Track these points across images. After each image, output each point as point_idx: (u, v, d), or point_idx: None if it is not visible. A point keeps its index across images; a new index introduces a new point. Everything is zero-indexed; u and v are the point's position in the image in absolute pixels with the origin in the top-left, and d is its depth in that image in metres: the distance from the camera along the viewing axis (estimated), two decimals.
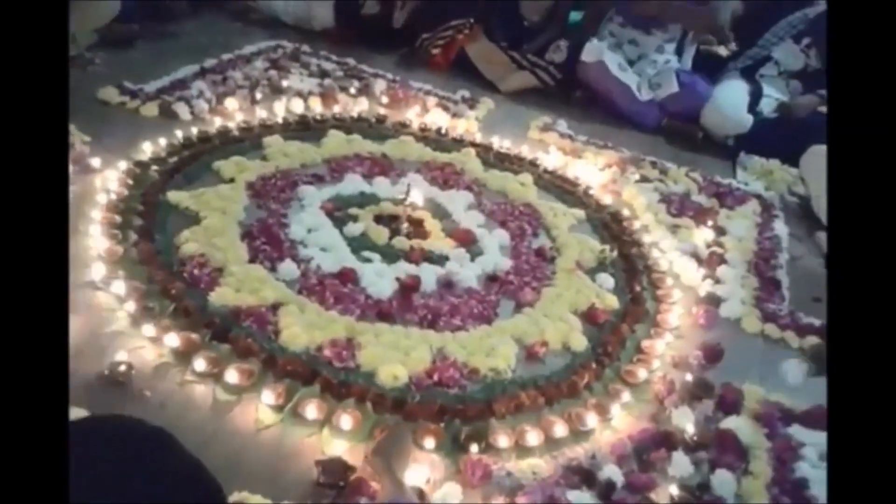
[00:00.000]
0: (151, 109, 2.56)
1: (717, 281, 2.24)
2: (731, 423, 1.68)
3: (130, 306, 1.68)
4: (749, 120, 3.20)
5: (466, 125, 2.94)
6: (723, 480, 1.53)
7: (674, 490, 1.49)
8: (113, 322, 1.66)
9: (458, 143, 2.78)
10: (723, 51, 3.67)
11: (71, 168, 2.13)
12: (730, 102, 3.24)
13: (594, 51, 3.28)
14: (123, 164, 2.18)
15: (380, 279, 1.93)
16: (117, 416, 0.75)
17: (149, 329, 1.63)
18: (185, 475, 0.71)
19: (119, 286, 1.72)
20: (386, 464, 1.37)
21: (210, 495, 0.72)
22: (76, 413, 1.36)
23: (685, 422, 1.65)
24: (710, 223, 2.55)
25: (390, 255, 2.05)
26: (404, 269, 2.00)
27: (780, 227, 2.65)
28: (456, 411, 1.58)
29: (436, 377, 1.66)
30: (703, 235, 2.47)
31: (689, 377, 1.81)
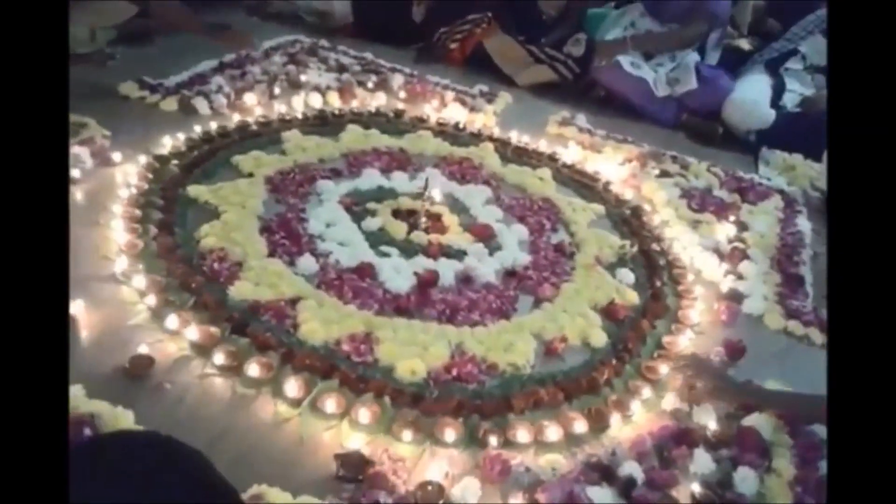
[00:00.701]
0: (171, 104, 2.58)
1: (739, 277, 2.21)
2: (753, 420, 1.65)
3: (151, 300, 1.69)
4: (771, 114, 3.16)
5: (484, 120, 2.93)
6: (745, 478, 1.51)
7: (695, 487, 1.47)
8: (133, 315, 1.67)
9: (476, 138, 2.77)
10: (745, 44, 3.62)
11: (91, 162, 2.15)
12: (752, 97, 3.19)
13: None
14: (143, 159, 2.19)
15: (398, 274, 1.93)
16: (155, 435, 0.74)
17: (169, 322, 1.63)
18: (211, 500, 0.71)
19: (139, 280, 1.73)
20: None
21: None
22: (97, 406, 1.38)
23: (707, 419, 1.63)
24: (731, 218, 2.52)
25: (408, 250, 2.04)
26: (422, 263, 1.99)
27: (803, 223, 2.61)
28: (474, 407, 1.57)
29: (454, 372, 1.65)
30: (724, 231, 2.44)
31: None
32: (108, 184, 2.09)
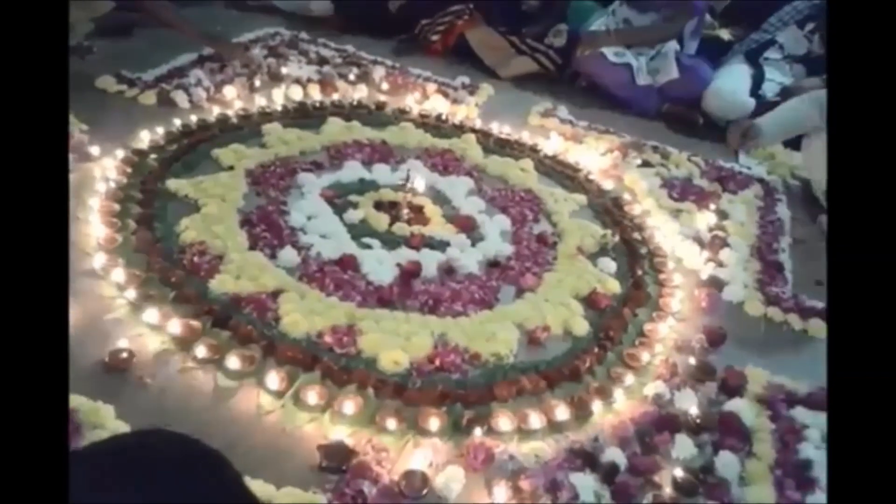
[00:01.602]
0: (150, 98, 2.55)
1: (720, 264, 2.23)
2: (734, 405, 1.67)
3: (131, 294, 1.68)
4: (751, 104, 3.17)
5: (466, 111, 2.92)
6: (726, 462, 1.53)
7: (677, 472, 1.48)
8: (113, 309, 1.65)
9: (458, 130, 2.76)
10: (725, 34, 3.64)
11: (69, 157, 2.12)
12: (731, 86, 3.21)
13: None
14: (122, 153, 2.17)
15: (380, 265, 1.93)
16: (173, 434, 0.73)
17: (149, 316, 1.62)
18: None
19: (119, 274, 1.72)
20: None
21: None
22: (76, 401, 1.37)
23: (688, 404, 1.65)
24: (712, 207, 2.54)
25: (391, 242, 2.04)
26: (405, 255, 1.99)
27: (783, 211, 2.64)
28: (457, 396, 1.57)
29: (437, 363, 1.65)
30: (705, 219, 2.45)
31: (691, 360, 1.80)
32: (87, 178, 2.07)
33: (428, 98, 2.94)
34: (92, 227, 1.87)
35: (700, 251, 2.27)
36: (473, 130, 2.77)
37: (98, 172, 2.08)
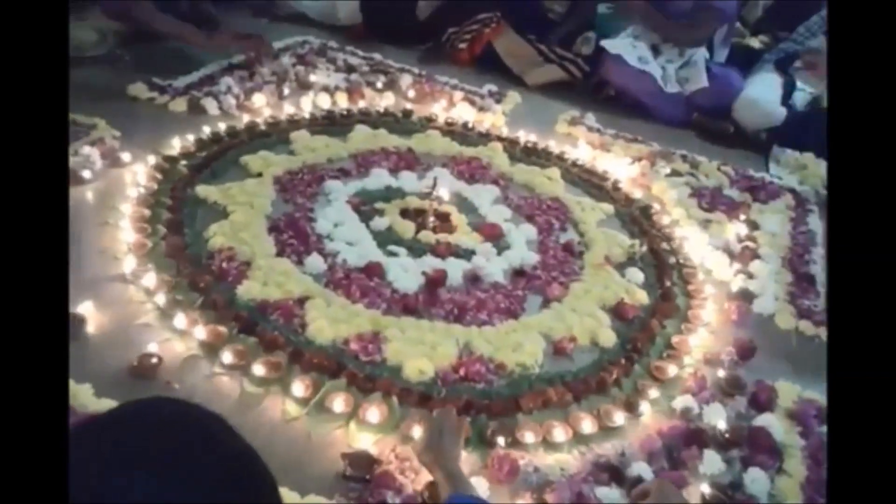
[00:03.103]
0: (180, 105, 2.59)
1: (750, 276, 2.19)
2: (764, 420, 1.64)
3: (159, 299, 1.70)
4: (782, 113, 3.13)
5: (493, 119, 2.92)
6: (755, 479, 1.50)
7: (705, 488, 1.46)
8: (142, 314, 1.67)
9: (485, 138, 2.76)
10: (755, 42, 3.59)
11: (101, 162, 2.16)
12: (762, 95, 3.16)
13: (611, 45, 3.23)
14: (153, 159, 2.20)
15: (406, 273, 1.92)
16: (170, 400, 0.74)
17: (177, 322, 1.64)
18: (237, 465, 0.70)
19: (148, 279, 1.73)
20: (438, 457, 1.32)
21: (261, 488, 0.71)
22: (105, 405, 1.38)
23: (717, 419, 1.62)
24: (742, 217, 2.50)
25: (416, 250, 2.04)
26: (430, 263, 1.99)
27: (815, 222, 2.59)
28: (482, 406, 1.56)
29: (462, 372, 1.65)
30: (735, 230, 2.42)
31: (720, 374, 1.77)
32: (118, 184, 2.10)
33: (455, 106, 2.94)
34: (123, 232, 1.89)
35: (730, 262, 2.24)
36: (500, 138, 2.76)
37: (129, 178, 2.11)
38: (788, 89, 3.26)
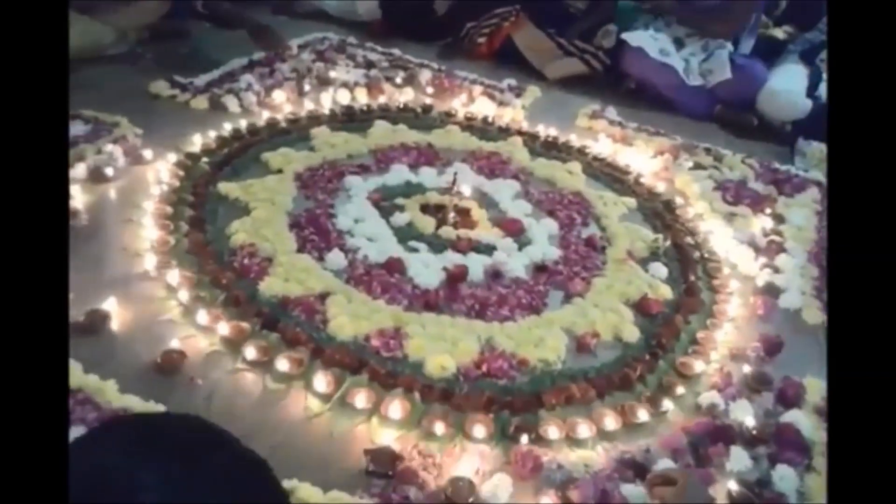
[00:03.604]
0: (201, 102, 2.60)
1: (776, 270, 2.16)
2: (791, 417, 1.61)
3: (182, 296, 1.70)
4: (808, 105, 3.07)
5: (513, 114, 2.90)
6: (784, 476, 1.47)
7: (732, 485, 1.44)
8: (165, 311, 1.68)
9: (505, 132, 2.74)
10: (780, 33, 3.53)
11: (123, 160, 2.18)
12: (787, 87, 3.11)
13: (632, 37, 3.19)
14: (174, 156, 2.21)
15: (427, 269, 1.92)
16: (181, 416, 0.74)
17: (200, 318, 1.64)
18: (248, 479, 0.70)
19: (171, 276, 1.74)
20: None
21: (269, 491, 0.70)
22: (129, 402, 1.39)
23: (744, 415, 1.59)
24: (767, 211, 2.46)
25: (437, 245, 2.03)
26: (451, 258, 1.98)
27: None
28: (504, 403, 1.55)
29: (484, 368, 1.64)
30: (760, 224, 2.38)
31: (747, 369, 1.75)
32: (140, 181, 2.11)
33: (474, 101, 2.93)
34: (145, 229, 1.90)
35: (755, 256, 2.20)
36: (520, 133, 2.75)
37: (151, 176, 2.13)
38: (814, 81, 3.20)
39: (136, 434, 0.67)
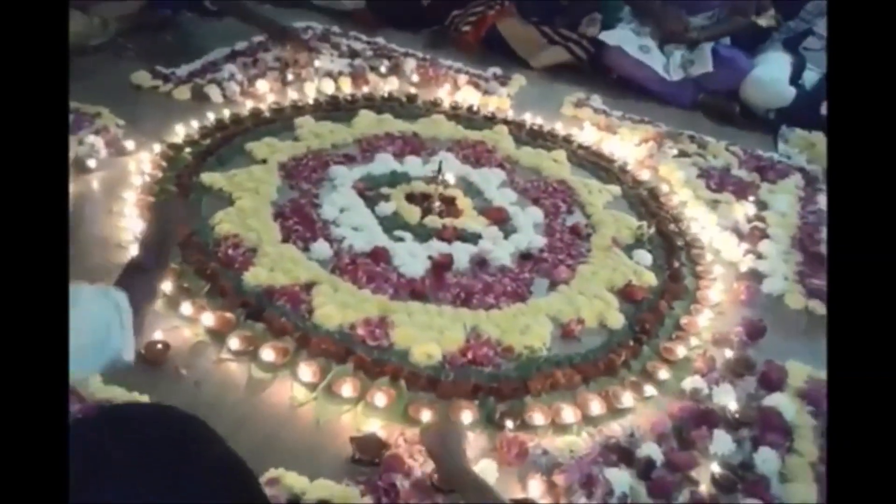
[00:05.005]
0: (184, 92, 2.58)
1: (759, 256, 2.18)
2: (774, 400, 1.63)
3: (166, 287, 1.69)
4: (791, 93, 3.09)
5: (498, 102, 2.90)
6: (766, 459, 1.49)
7: (715, 468, 1.46)
8: None
9: (490, 121, 2.74)
10: (764, 21, 3.54)
11: (105, 151, 2.16)
12: (771, 75, 3.13)
13: (611, 36, 3.20)
14: (157, 147, 2.20)
15: (412, 258, 1.92)
16: (146, 405, 0.74)
17: (184, 309, 1.64)
18: (218, 466, 0.70)
19: None
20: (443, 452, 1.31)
21: (245, 489, 0.71)
22: (113, 392, 1.39)
23: (727, 399, 1.61)
24: (751, 198, 2.48)
25: (422, 234, 2.03)
26: (437, 247, 1.98)
27: (824, 201, 2.56)
28: (490, 389, 1.56)
29: (470, 355, 1.64)
30: (744, 210, 2.40)
31: (730, 354, 1.76)
32: (123, 172, 2.10)
33: (459, 89, 2.92)
34: (128, 220, 1.89)
35: (739, 242, 2.22)
36: (505, 122, 2.75)
37: (133, 167, 2.11)
38: (798, 69, 3.22)
39: (107, 426, 0.67)
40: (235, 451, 0.73)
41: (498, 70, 3.16)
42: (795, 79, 3.16)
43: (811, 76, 3.23)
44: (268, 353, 1.55)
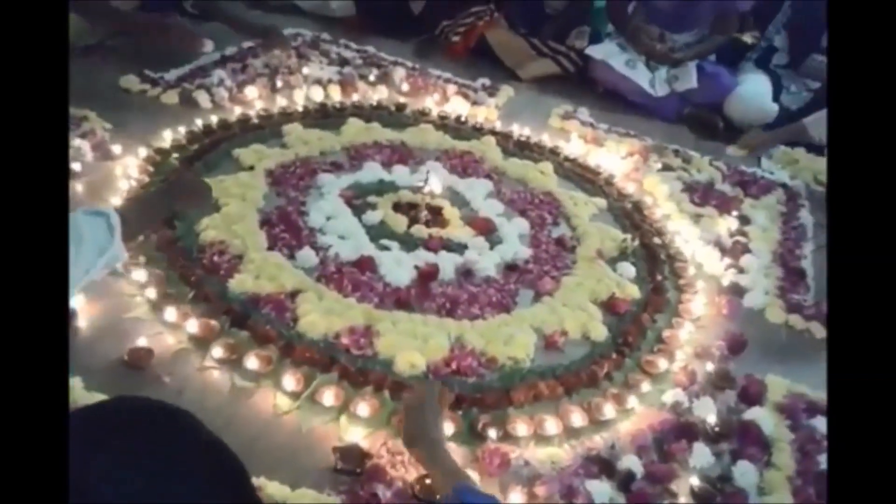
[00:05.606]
0: (172, 97, 2.57)
1: (741, 271, 2.20)
2: (753, 414, 1.65)
3: (151, 292, 1.69)
4: (774, 109, 3.14)
5: (486, 113, 2.91)
6: (744, 472, 1.51)
7: (694, 481, 1.47)
8: (133, 308, 1.67)
9: (478, 132, 2.76)
10: (748, 38, 3.59)
11: (92, 155, 2.15)
12: (755, 91, 3.17)
13: (598, 50, 3.24)
14: (144, 152, 2.19)
15: (398, 267, 1.93)
16: (135, 398, 0.75)
17: (168, 315, 1.63)
18: (206, 456, 0.71)
19: (139, 273, 1.73)
20: (424, 440, 1.35)
21: (233, 477, 0.71)
22: (95, 399, 1.38)
23: (707, 412, 1.63)
24: (734, 212, 2.51)
25: (409, 244, 2.04)
26: (423, 257, 1.99)
27: (806, 217, 2.60)
28: (473, 400, 1.57)
29: (453, 365, 1.65)
30: (726, 224, 2.43)
31: (710, 368, 1.78)
32: (109, 177, 2.09)
33: (448, 99, 2.94)
34: None
35: (721, 257, 2.25)
36: (493, 132, 2.76)
37: (120, 171, 2.11)
38: (776, 86, 3.26)
39: (88, 423, 0.67)
40: (223, 442, 0.73)
41: (487, 81, 3.18)
42: (776, 96, 3.21)
43: (799, 97, 3.26)
44: (251, 362, 1.55)
